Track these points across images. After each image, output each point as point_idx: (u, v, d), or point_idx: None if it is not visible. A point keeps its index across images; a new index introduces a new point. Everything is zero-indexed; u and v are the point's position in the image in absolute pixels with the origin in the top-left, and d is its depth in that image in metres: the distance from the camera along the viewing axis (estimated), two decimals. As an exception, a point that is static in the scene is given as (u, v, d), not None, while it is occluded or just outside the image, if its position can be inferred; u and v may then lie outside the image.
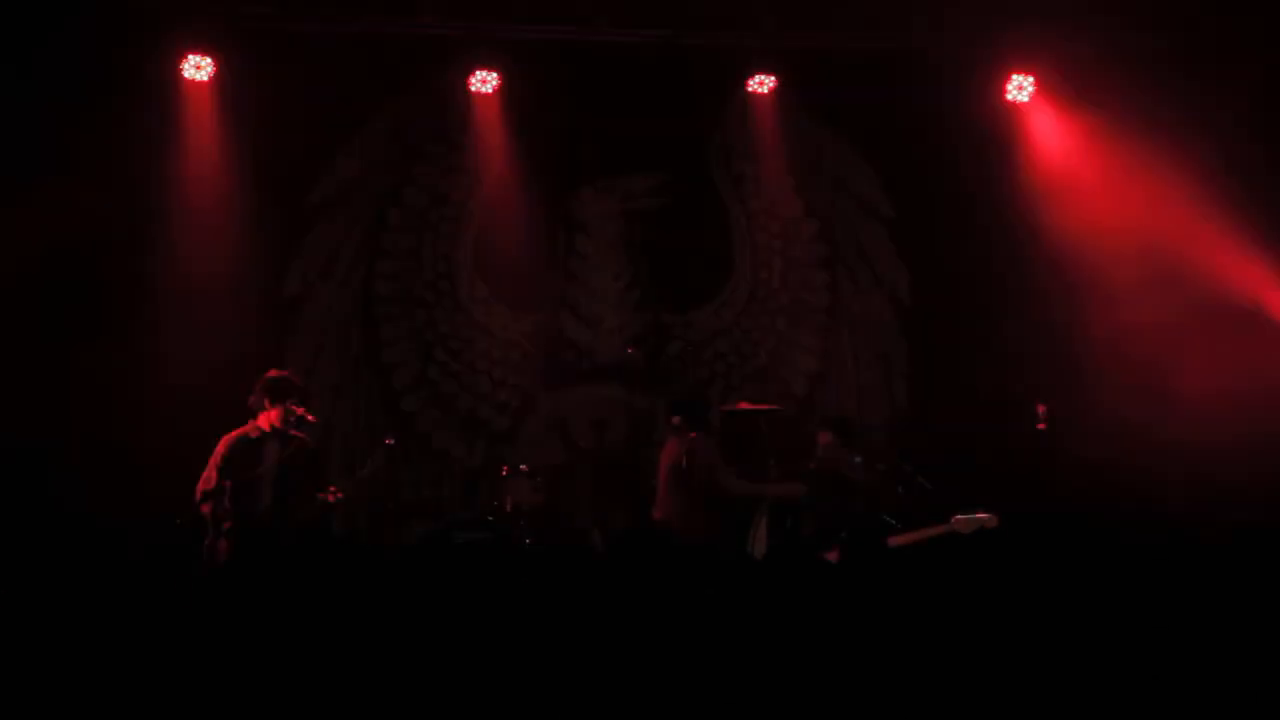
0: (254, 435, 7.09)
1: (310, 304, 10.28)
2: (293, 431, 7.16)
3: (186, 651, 5.74)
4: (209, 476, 6.99)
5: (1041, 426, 9.25)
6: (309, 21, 9.68)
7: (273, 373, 7.28)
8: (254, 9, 9.61)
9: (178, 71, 9.59)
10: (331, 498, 7.10)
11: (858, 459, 9.18)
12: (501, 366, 10.49)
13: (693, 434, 7.94)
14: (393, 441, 8.15)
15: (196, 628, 6.12)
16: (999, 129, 10.19)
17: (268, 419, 7.12)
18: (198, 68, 9.59)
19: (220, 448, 7.03)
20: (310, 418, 7.20)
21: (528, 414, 10.41)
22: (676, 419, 8.05)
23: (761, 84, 10.35)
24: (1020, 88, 10.16)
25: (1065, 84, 9.97)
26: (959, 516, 6.89)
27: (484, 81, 10.10)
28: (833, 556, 6.79)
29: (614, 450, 10.17)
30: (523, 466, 9.28)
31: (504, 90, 10.13)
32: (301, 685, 5.54)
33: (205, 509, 6.94)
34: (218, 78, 9.63)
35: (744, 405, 9.33)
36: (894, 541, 6.88)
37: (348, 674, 5.71)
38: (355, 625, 6.27)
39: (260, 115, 9.67)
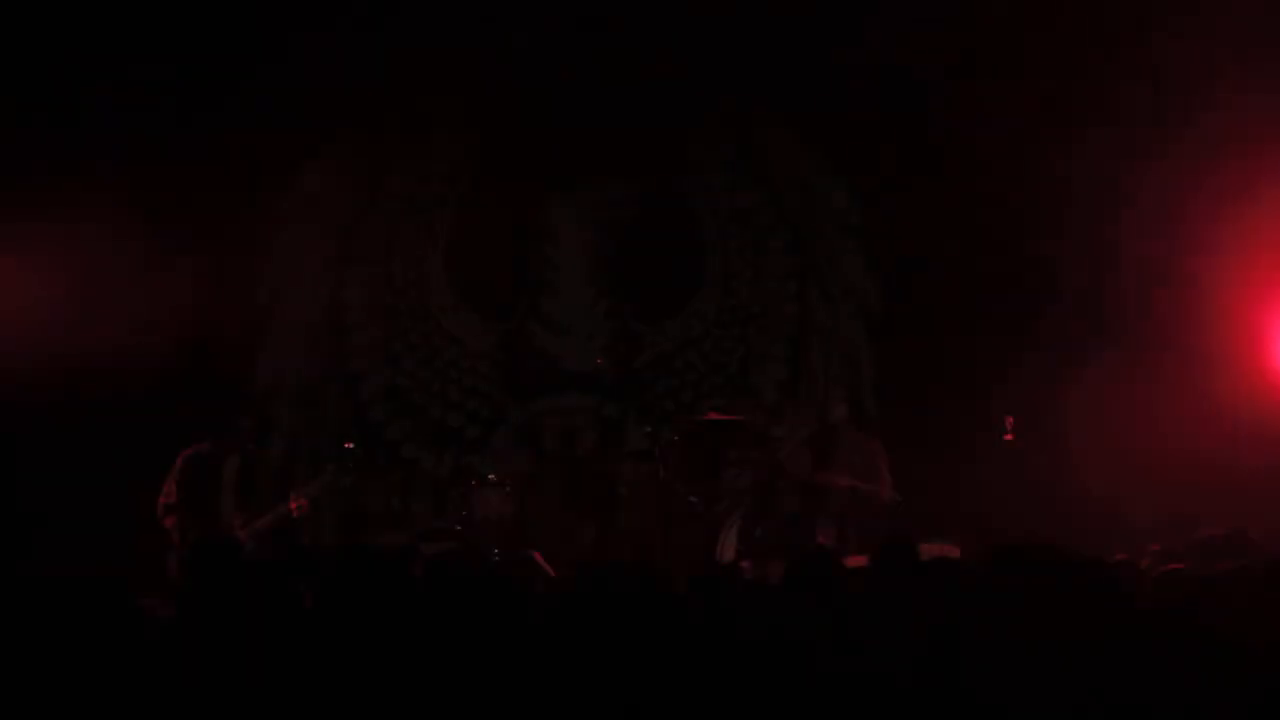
0: (211, 449, 7.11)
1: (278, 312, 10.25)
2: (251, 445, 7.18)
3: (147, 671, 5.68)
4: (168, 490, 7.00)
5: (1009, 438, 9.27)
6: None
7: None
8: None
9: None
10: (296, 510, 7.10)
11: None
12: (471, 375, 10.49)
13: None
14: (352, 445, 8.17)
15: (157, 648, 6.05)
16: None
17: None
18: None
19: (178, 462, 7.04)
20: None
21: (497, 423, 10.40)
22: None
23: (733, 95, 10.40)
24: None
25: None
26: (923, 545, 6.92)
27: (454, 91, 10.15)
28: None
29: (583, 459, 10.17)
30: (491, 476, 9.29)
31: (475, 98, 10.15)
32: (262, 703, 5.49)
33: (168, 522, 6.94)
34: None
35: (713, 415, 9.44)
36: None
37: (310, 691, 5.65)
38: (318, 641, 6.21)
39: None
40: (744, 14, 9.85)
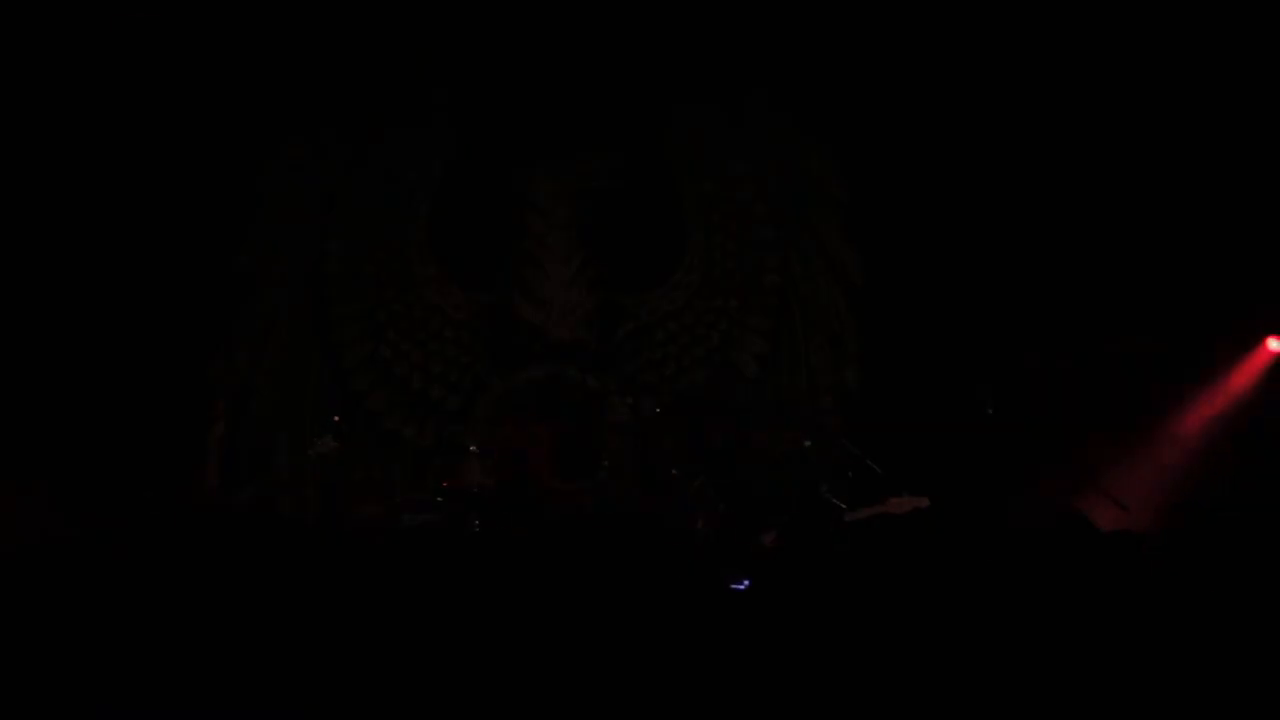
0: None
1: (260, 284, 10.25)
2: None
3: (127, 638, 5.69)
4: None
5: (990, 410, 9.30)
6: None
7: None
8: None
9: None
10: None
11: (807, 442, 9.25)
12: (454, 346, 10.48)
13: None
14: (340, 420, 8.19)
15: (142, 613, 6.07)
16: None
17: None
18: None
19: None
20: None
21: (479, 394, 10.41)
22: None
23: (718, 67, 10.39)
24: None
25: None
26: (893, 499, 6.98)
27: (438, 65, 10.16)
28: (770, 541, 6.81)
29: (565, 431, 10.19)
30: (473, 447, 9.28)
31: (457, 71, 10.14)
32: (245, 673, 5.51)
33: None
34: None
35: None
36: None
37: (294, 662, 5.68)
38: (304, 611, 6.24)
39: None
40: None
